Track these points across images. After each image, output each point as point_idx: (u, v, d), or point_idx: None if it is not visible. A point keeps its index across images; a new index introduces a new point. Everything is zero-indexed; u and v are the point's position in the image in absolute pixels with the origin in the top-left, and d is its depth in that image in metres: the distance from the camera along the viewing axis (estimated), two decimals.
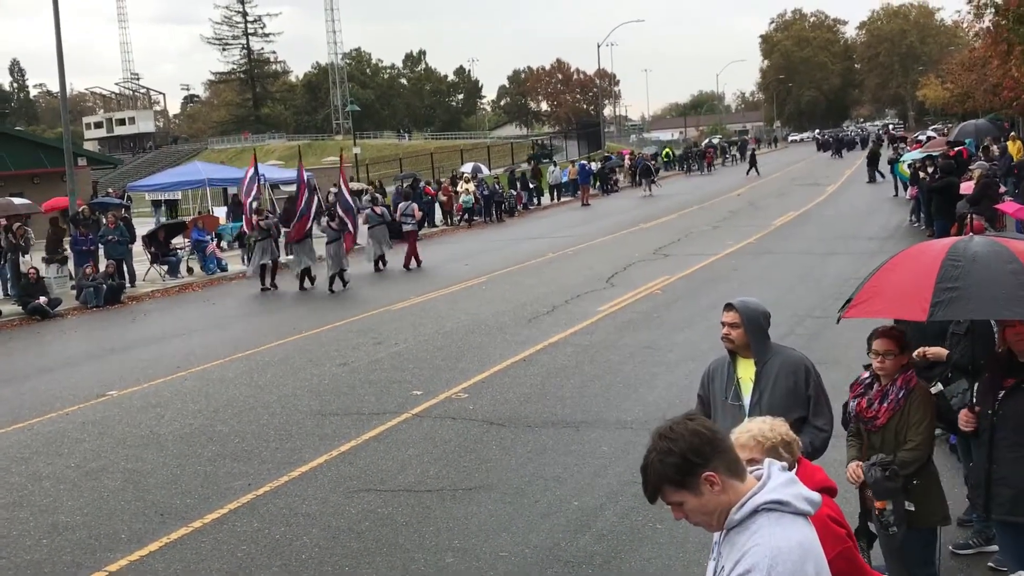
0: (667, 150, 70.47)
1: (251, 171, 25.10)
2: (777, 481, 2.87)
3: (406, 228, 25.77)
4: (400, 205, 27.65)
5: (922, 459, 5.32)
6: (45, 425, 11.61)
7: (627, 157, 59.17)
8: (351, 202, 23.22)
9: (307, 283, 22.66)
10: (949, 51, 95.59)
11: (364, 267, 24.70)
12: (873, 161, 42.77)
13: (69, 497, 8.92)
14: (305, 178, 23.67)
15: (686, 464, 2.81)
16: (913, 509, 5.29)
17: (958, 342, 6.36)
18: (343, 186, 23.46)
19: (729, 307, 5.38)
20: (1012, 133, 33.11)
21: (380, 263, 24.99)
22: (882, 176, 41.20)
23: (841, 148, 73.72)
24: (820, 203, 34.98)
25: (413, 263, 24.90)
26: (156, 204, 38.68)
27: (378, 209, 25.22)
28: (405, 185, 35.87)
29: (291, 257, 23.60)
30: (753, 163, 55.17)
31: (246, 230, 24.84)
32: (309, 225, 22.39)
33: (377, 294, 20.67)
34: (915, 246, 5.62)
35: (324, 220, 22.67)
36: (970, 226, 9.53)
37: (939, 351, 6.40)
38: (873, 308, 5.14)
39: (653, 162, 53.66)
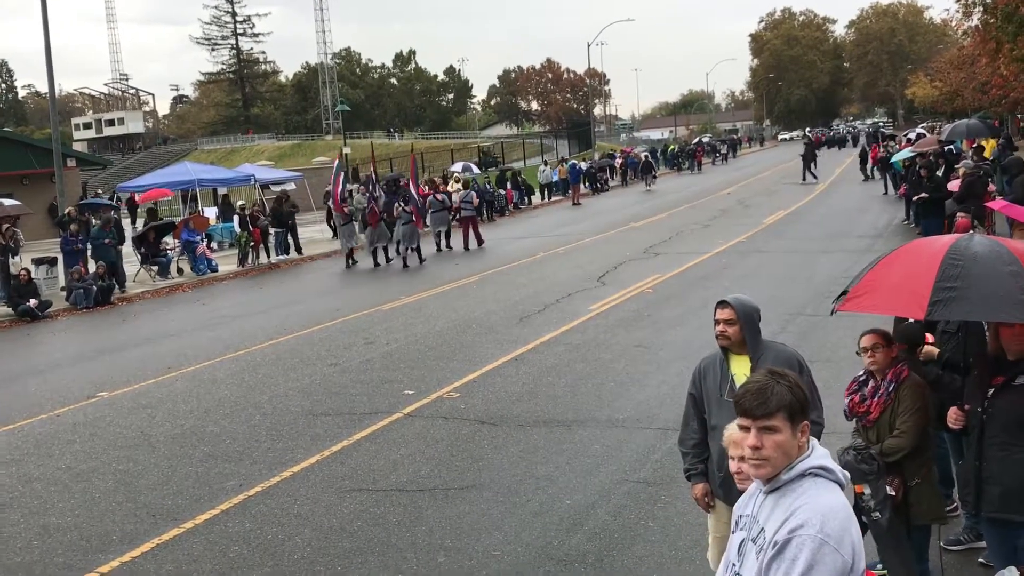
0: (672, 147, 71.80)
1: (337, 164, 28.42)
2: (820, 451, 3.08)
3: (465, 214, 28.92)
4: (460, 193, 30.67)
5: (906, 446, 5.36)
6: (35, 427, 11.57)
7: (629, 154, 59.94)
8: (415, 194, 26.68)
9: (380, 259, 25.94)
10: (938, 49, 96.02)
11: (428, 247, 27.50)
12: (808, 159, 45.34)
13: (60, 498, 8.90)
14: (376, 175, 27.60)
15: (806, 403, 3.07)
16: (894, 494, 5.32)
17: (949, 339, 6.37)
18: (411, 180, 27.17)
19: (724, 304, 5.35)
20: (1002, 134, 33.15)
21: (444, 242, 28.41)
22: (814, 177, 43.62)
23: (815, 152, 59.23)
24: (810, 201, 35.05)
25: (474, 244, 28.32)
26: (184, 199, 38.28)
27: (439, 196, 28.71)
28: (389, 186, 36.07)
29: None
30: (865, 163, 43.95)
31: (335, 213, 27.77)
32: (381, 211, 25.68)
33: (367, 294, 20.63)
34: (914, 242, 5.56)
35: (399, 205, 25.88)
36: (955, 224, 9.58)
37: (930, 350, 6.41)
38: (869, 303, 5.11)
39: (652, 156, 55.61)
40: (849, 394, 5.69)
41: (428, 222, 28.52)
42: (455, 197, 30.38)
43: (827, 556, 2.81)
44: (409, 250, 25.55)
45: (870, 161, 43.06)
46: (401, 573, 6.82)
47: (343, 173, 28.17)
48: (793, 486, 2.98)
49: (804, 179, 44.01)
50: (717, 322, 5.36)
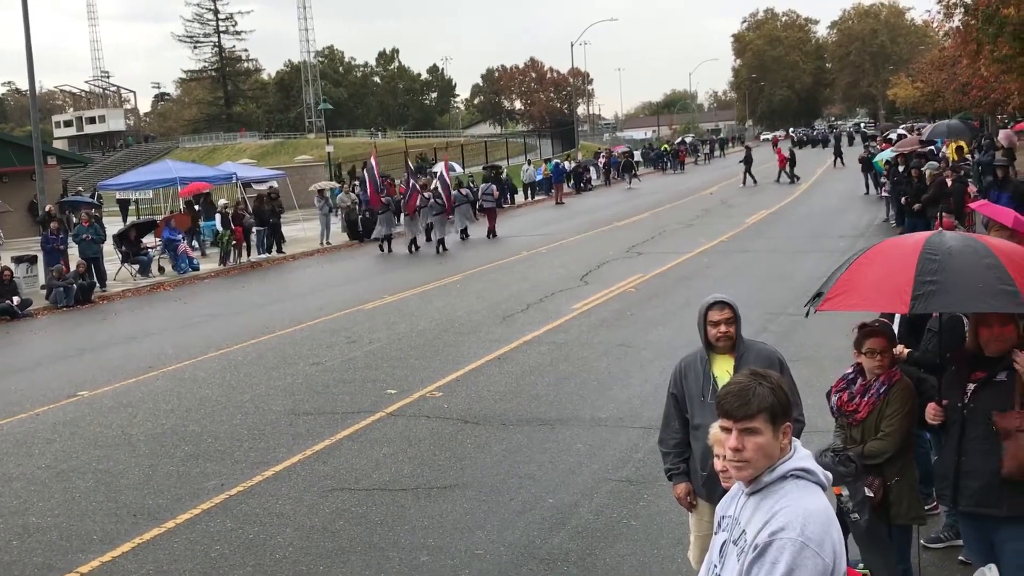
0: (665, 146, 71.97)
1: (373, 161, 30.00)
2: (802, 453, 3.08)
3: (486, 206, 32.08)
4: (481, 187, 33.85)
5: (890, 450, 5.39)
6: (15, 426, 11.49)
7: (614, 153, 60.25)
8: (448, 183, 29.38)
9: (414, 248, 28.08)
10: (919, 50, 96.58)
11: (452, 236, 29.52)
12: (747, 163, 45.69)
13: (40, 498, 8.84)
14: (411, 168, 30.97)
15: (788, 405, 3.06)
16: (872, 495, 5.34)
17: (933, 337, 6.39)
18: (444, 170, 30.48)
19: (723, 305, 5.30)
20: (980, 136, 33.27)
21: (465, 233, 30.55)
22: (754, 181, 44.22)
23: (840, 147, 57.42)
24: (792, 201, 35.18)
25: (490, 233, 30.87)
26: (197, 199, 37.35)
27: (464, 191, 31.32)
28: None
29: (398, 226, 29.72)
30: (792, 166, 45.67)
31: (374, 206, 29.51)
32: (418, 202, 27.93)
33: (350, 293, 20.57)
34: (887, 240, 5.59)
35: (430, 196, 27.99)
36: (939, 222, 9.62)
37: (898, 349, 6.43)
38: (850, 302, 5.13)
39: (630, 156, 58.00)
40: (837, 391, 5.70)
41: (454, 214, 30.08)
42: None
43: (808, 559, 2.81)
44: (440, 237, 27.72)
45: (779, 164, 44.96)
46: (383, 572, 6.81)
47: (376, 169, 30.07)
48: (775, 488, 2.98)
49: (744, 183, 44.48)
50: (716, 323, 5.31)
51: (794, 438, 3.10)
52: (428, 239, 28.74)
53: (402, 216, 29.34)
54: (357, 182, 36.68)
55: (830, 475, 3.09)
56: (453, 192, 29.82)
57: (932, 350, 6.30)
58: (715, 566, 3.16)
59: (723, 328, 5.30)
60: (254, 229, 29.44)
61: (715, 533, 3.24)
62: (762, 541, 2.88)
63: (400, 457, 9.26)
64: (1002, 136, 28.00)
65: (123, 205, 44.94)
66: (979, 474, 5.01)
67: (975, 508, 5.08)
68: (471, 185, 35.53)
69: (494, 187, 33.79)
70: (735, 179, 47.51)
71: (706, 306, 5.39)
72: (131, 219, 36.12)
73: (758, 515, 2.96)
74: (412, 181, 28.71)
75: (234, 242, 27.73)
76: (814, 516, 2.89)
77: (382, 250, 28.38)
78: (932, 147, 30.85)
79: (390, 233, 28.65)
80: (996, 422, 4.91)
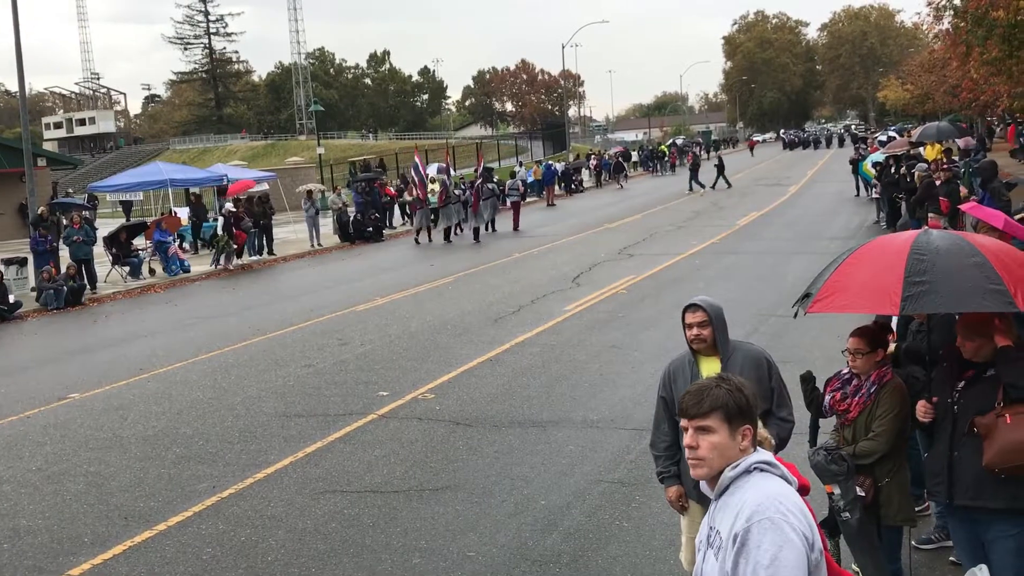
0: (663, 147, 71.96)
1: (418, 160, 32.76)
2: (763, 453, 3.13)
3: (511, 199, 34.98)
4: (508, 182, 37.23)
5: (880, 450, 5.41)
6: (5, 429, 11.46)
7: (605, 157, 60.32)
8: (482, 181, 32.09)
9: (451, 237, 30.97)
10: (909, 53, 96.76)
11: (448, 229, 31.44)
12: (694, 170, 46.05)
13: (30, 501, 8.82)
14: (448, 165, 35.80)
15: (747, 408, 3.09)
16: (863, 495, 5.36)
17: (921, 340, 6.41)
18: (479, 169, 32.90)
19: (695, 308, 5.35)
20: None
21: (492, 225, 32.53)
22: (700, 187, 44.10)
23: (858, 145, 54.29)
24: (783, 203, 35.26)
25: (513, 224, 33.23)
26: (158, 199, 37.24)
27: (490, 185, 32.67)
28: (362, 186, 36.26)
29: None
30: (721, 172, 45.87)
31: (417, 203, 31.83)
32: (449, 194, 30.96)
33: (341, 295, 20.55)
34: (875, 240, 5.59)
35: (462, 191, 31.75)
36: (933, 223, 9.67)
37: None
38: (839, 303, 5.14)
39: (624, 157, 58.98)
40: (831, 391, 5.72)
41: (480, 207, 31.80)
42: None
43: (790, 534, 2.85)
44: (475, 226, 30.71)
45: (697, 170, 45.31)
46: (376, 574, 6.81)
47: (423, 166, 32.66)
48: (740, 483, 3.02)
49: (691, 189, 44.30)
50: (690, 326, 5.36)
51: (771, 438, 3.15)
52: (456, 232, 31.44)
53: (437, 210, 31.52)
54: (364, 183, 36.86)
55: (792, 478, 3.13)
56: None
57: (918, 344, 6.32)
58: (697, 563, 3.23)
59: (695, 331, 5.35)
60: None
61: (698, 542, 3.29)
62: (740, 529, 2.91)
63: (392, 459, 9.25)
64: (962, 142, 28.17)
65: (126, 207, 44.93)
66: (972, 468, 5.03)
67: (970, 502, 5.09)
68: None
69: (520, 182, 37.51)
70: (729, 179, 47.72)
71: (683, 309, 5.44)
72: (121, 221, 35.96)
73: (727, 512, 3.01)
74: (448, 179, 32.43)
75: (234, 246, 27.58)
76: (782, 495, 2.95)
77: (418, 242, 30.75)
78: (921, 148, 30.96)
79: (425, 226, 31.28)
80: (977, 423, 4.94)
